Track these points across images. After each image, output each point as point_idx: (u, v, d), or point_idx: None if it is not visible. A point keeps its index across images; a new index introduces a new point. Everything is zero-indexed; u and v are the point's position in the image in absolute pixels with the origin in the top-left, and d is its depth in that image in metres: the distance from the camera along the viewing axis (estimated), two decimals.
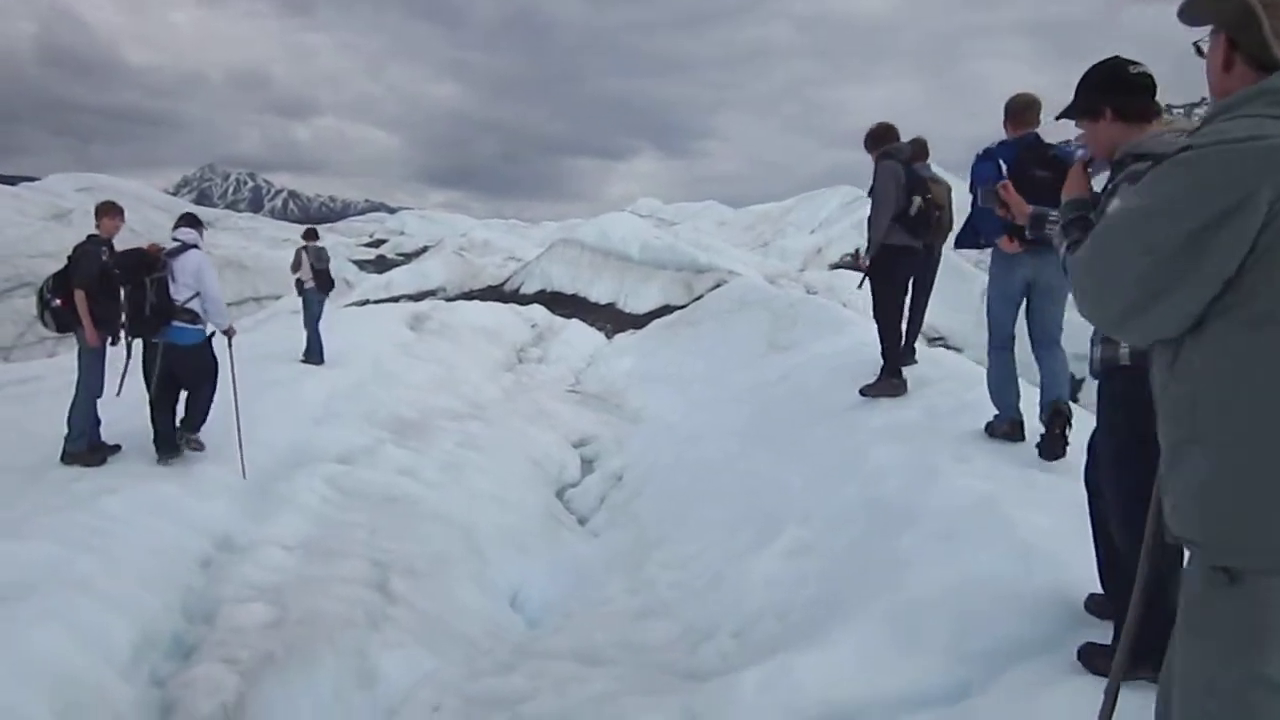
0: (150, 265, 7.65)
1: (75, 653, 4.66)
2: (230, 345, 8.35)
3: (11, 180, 51.02)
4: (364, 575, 6.69)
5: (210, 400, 8.08)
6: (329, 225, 69.49)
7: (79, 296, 7.42)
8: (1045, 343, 5.65)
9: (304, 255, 14.02)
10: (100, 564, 5.55)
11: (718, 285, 37.45)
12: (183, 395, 8.08)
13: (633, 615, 5.78)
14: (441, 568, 7.10)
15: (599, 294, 39.14)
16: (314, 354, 13.20)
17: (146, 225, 46.74)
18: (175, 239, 8.07)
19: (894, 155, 7.33)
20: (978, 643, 3.88)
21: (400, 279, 41.27)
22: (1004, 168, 5.36)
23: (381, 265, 55.58)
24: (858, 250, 8.19)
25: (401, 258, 58.33)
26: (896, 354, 7.20)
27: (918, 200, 7.00)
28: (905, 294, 7.65)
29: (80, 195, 48.64)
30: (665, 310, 35.40)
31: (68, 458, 7.51)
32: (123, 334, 7.81)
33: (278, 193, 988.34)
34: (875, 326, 7.51)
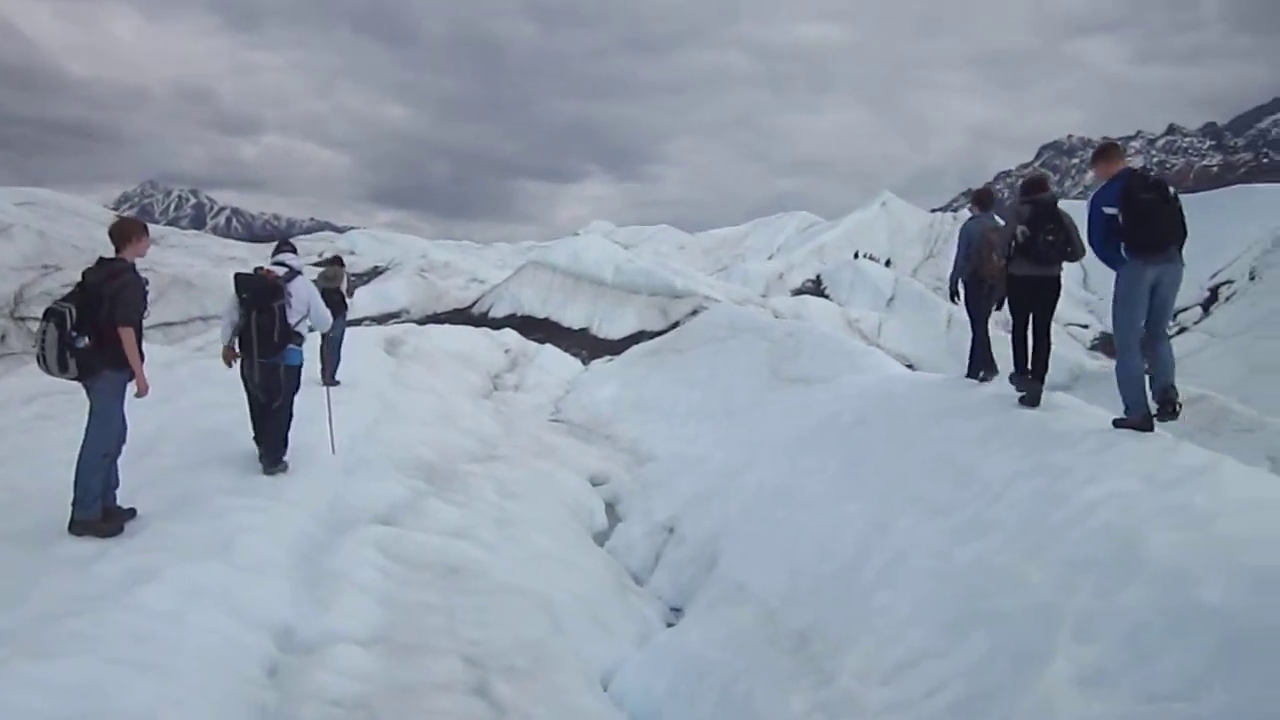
0: (277, 291, 7.77)
1: None
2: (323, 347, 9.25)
3: None
4: (460, 678, 5.44)
5: (292, 418, 8.30)
6: (273, 244, 67.19)
7: (126, 335, 6.03)
8: (1160, 336, 6.48)
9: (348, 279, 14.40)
10: (155, 687, 4.23)
11: (695, 311, 36.63)
12: None
13: None
14: (541, 662, 5.87)
15: (572, 318, 38.09)
16: (332, 375, 13.06)
17: (88, 240, 44.67)
18: (280, 263, 8.25)
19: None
20: None
21: (362, 300, 39.66)
22: (1108, 210, 6.23)
23: None
24: None
25: (354, 278, 56.72)
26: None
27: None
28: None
29: (20, 210, 46.29)
30: (641, 336, 34.49)
31: (77, 527, 6.00)
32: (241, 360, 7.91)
33: (220, 210, 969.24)
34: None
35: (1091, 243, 6.54)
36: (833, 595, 6.08)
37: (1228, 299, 61.51)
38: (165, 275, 39.28)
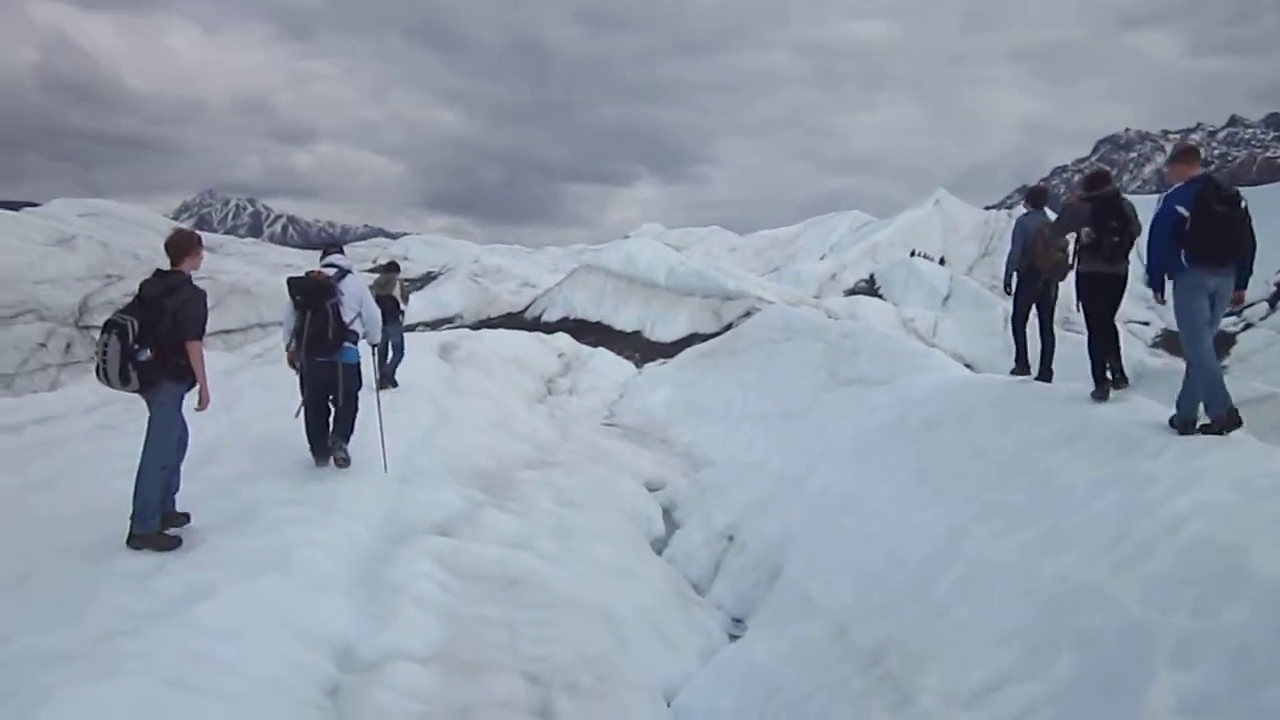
0: (329, 291, 7.98)
1: None
2: (374, 354, 9.24)
3: (14, 206, 49.46)
4: (523, 697, 5.29)
5: (358, 410, 8.51)
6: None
7: (194, 349, 6.05)
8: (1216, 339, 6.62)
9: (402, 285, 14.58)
10: (213, 711, 4.13)
11: (748, 313, 36.30)
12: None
13: None
14: (604, 680, 5.69)
15: (624, 322, 37.92)
16: (391, 376, 13.47)
17: (150, 250, 45.41)
18: (332, 264, 8.42)
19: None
20: None
21: (416, 305, 39.67)
22: (1181, 210, 6.21)
23: None
24: None
25: (408, 283, 57.03)
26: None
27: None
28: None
29: (83, 221, 47.19)
30: (694, 339, 34.25)
31: (135, 540, 5.95)
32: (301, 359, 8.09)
33: (277, 218, 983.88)
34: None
35: (1152, 236, 6.47)
36: (907, 609, 5.80)
37: None
38: (224, 283, 39.73)
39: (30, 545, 5.94)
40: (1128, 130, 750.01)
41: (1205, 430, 6.28)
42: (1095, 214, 7.64)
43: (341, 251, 8.84)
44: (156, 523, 6.06)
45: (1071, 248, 8.22)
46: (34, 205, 52.69)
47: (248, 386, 12.12)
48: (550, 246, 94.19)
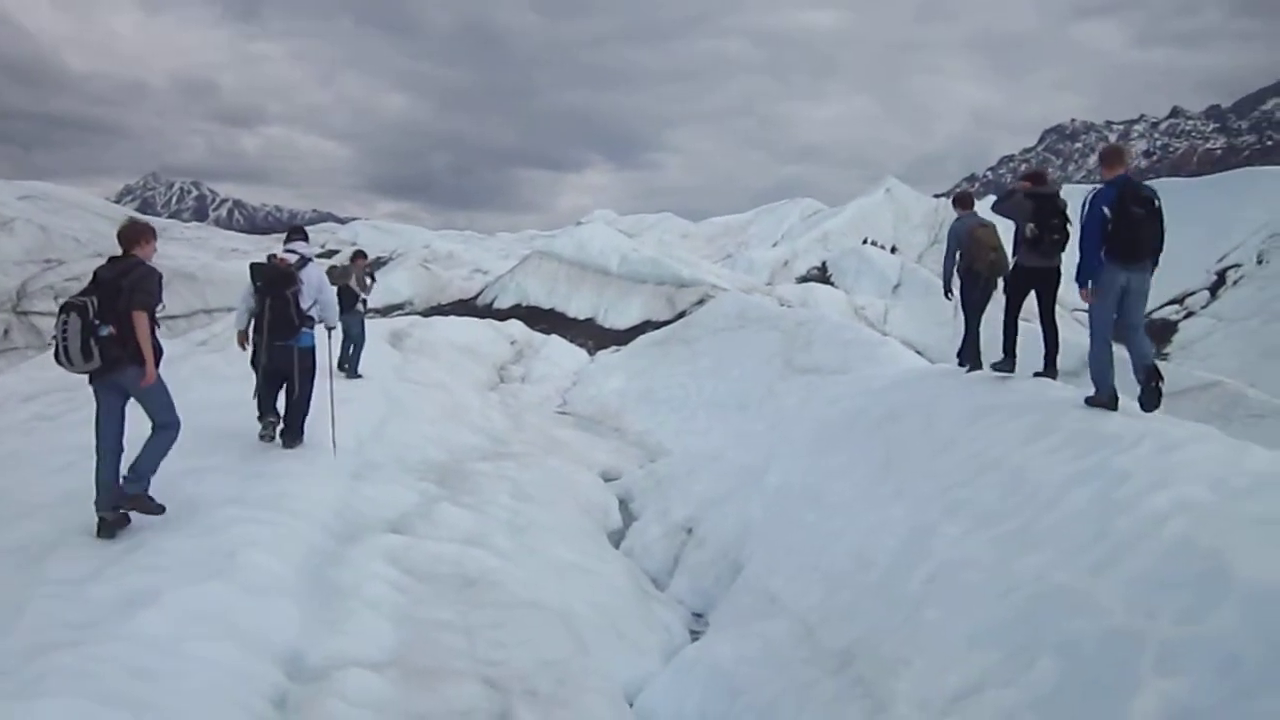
0: (290, 279, 8.26)
1: None
2: (330, 339, 9.21)
3: None
4: (482, 704, 5.08)
5: (312, 395, 8.71)
6: (276, 236, 66.86)
7: (140, 320, 5.97)
8: (1135, 327, 6.99)
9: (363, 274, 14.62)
10: None
11: (702, 300, 36.20)
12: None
13: None
14: (565, 684, 5.52)
15: (578, 309, 37.59)
16: (353, 368, 13.64)
17: (90, 234, 44.26)
18: (292, 251, 8.66)
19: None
20: None
21: None
22: (1106, 211, 6.69)
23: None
24: None
25: (369, 265, 56.00)
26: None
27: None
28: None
29: (21, 204, 45.79)
30: (648, 326, 34.03)
31: (130, 502, 6.16)
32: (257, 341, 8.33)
33: (222, 202, 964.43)
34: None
35: (1084, 235, 6.90)
36: (877, 610, 5.66)
37: (1235, 283, 60.79)
38: (168, 268, 38.63)
39: None
40: (1073, 121, 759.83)
41: (1088, 400, 7.04)
42: (1038, 211, 8.19)
43: (305, 238, 9.11)
44: (146, 485, 6.19)
45: (1009, 243, 8.85)
46: None
47: (193, 376, 11.70)
48: (502, 232, 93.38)
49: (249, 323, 8.43)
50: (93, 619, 4.68)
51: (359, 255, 15.20)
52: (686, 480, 11.59)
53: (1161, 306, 56.41)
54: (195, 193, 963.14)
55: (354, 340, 13.64)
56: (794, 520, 8.06)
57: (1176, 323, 55.09)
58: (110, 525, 6.01)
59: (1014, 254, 8.57)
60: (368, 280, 14.72)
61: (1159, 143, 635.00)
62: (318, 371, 8.72)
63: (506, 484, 9.78)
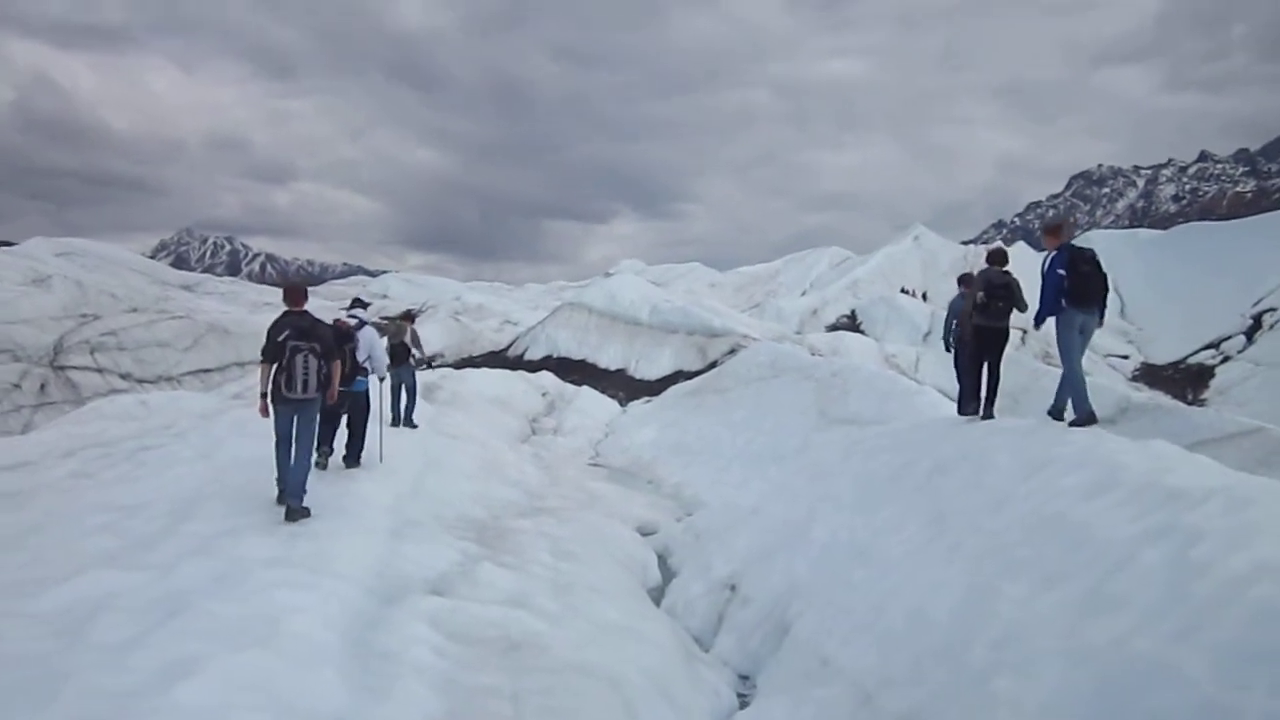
0: (349, 338, 10.27)
1: None
2: (380, 386, 11.61)
3: None
4: None
5: (366, 430, 10.81)
6: (310, 289, 67.36)
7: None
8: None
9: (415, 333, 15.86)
10: None
11: (733, 350, 36.12)
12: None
13: None
14: None
15: (609, 360, 37.66)
16: (408, 418, 15.31)
17: (126, 289, 44.81)
18: (353, 315, 10.87)
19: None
20: None
21: None
22: (1061, 271, 8.37)
23: None
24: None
25: (387, 321, 56.46)
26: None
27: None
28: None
29: (59, 260, 46.47)
30: (679, 376, 34.01)
31: (295, 514, 7.94)
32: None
33: (255, 256, 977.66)
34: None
35: (1044, 291, 8.52)
36: (939, 677, 5.42)
37: (1271, 326, 60.03)
38: (201, 322, 39.14)
39: None
40: (1100, 166, 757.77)
41: (1072, 424, 8.42)
42: (987, 284, 10.00)
43: (364, 307, 11.49)
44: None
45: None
46: (9, 244, 51.92)
47: (227, 432, 11.66)
48: (531, 283, 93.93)
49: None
50: (134, 688, 4.54)
51: (408, 315, 16.35)
52: (726, 535, 11.37)
53: (1198, 351, 55.71)
54: (228, 247, 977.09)
55: (408, 390, 15.24)
56: (843, 578, 7.81)
57: (1213, 368, 54.31)
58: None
59: (973, 316, 10.18)
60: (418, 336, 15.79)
61: (1188, 186, 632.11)
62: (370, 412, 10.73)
63: (546, 541, 9.63)
